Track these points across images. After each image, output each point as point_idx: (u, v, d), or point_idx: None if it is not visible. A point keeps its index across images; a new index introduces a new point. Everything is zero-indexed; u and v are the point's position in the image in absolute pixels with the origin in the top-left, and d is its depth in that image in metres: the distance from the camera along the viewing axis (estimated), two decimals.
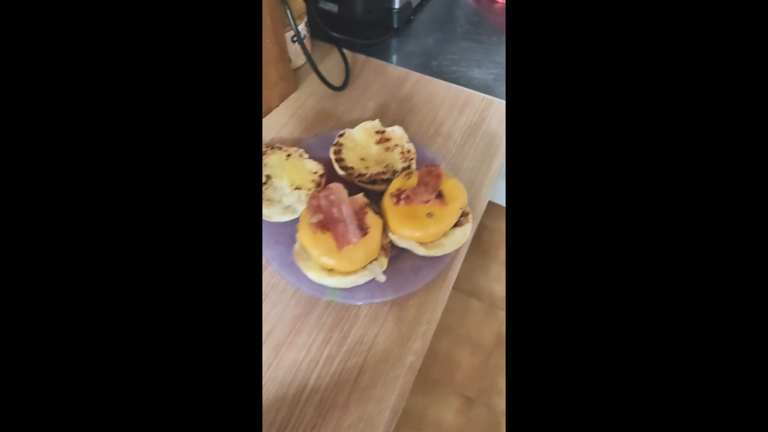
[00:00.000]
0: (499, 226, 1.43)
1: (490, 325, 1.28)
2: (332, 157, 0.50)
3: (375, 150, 0.51)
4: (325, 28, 0.66)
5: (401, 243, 0.45)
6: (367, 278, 0.42)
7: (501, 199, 1.35)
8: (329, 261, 0.41)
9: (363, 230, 0.42)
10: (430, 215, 0.44)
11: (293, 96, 0.61)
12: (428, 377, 1.17)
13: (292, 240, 0.44)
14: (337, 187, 0.42)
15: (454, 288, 1.41)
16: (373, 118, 0.59)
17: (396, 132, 0.52)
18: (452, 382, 1.18)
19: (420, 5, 0.78)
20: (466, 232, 0.45)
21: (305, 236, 0.41)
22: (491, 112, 0.61)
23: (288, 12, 0.53)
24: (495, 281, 1.35)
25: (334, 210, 0.41)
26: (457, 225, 0.45)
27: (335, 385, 0.39)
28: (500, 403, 1.15)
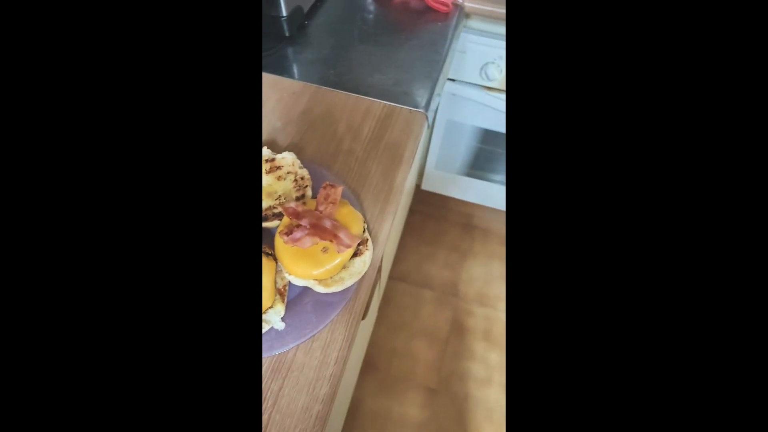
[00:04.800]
0: (444, 214, 1.44)
1: (444, 313, 1.29)
2: None
3: (265, 181, 0.47)
4: None
5: (299, 282, 0.42)
6: (264, 330, 0.39)
7: (440, 189, 1.35)
8: None
9: None
10: (325, 250, 0.41)
11: None
12: (389, 375, 1.18)
13: None
14: None
15: (405, 281, 1.41)
16: (269, 141, 0.55)
17: (287, 158, 0.49)
18: (413, 376, 1.18)
19: (315, 6, 0.74)
20: (366, 261, 0.43)
21: None
22: (393, 120, 0.58)
23: None
24: (444, 268, 1.36)
25: None
26: (356, 255, 0.43)
27: None
28: (462, 388, 1.18)
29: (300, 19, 0.69)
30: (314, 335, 0.41)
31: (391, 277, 1.33)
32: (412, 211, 1.44)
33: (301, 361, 0.40)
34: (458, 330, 1.29)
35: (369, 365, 1.17)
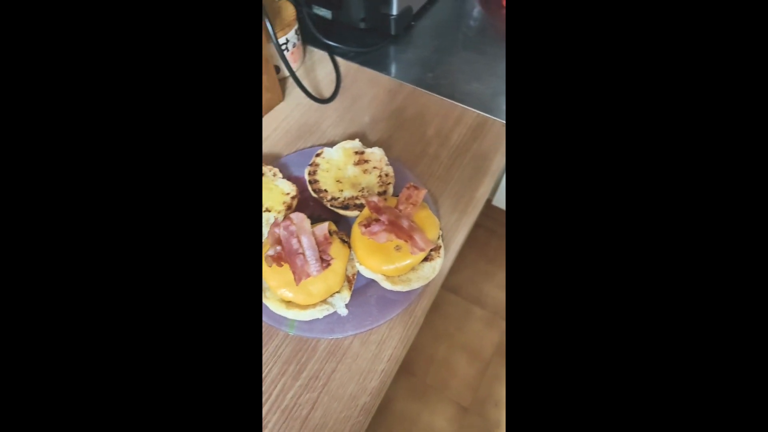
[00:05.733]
0: None
1: (491, 334, 1.25)
2: (306, 177, 0.49)
3: (352, 172, 0.49)
4: (318, 35, 0.64)
5: (367, 274, 0.43)
6: (327, 312, 0.41)
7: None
8: (287, 294, 0.40)
9: (325, 262, 0.40)
10: (398, 248, 0.42)
11: (279, 107, 0.60)
12: (423, 382, 1.17)
13: None
14: (299, 217, 0.40)
15: (457, 293, 1.37)
16: (360, 133, 0.57)
17: (375, 154, 0.50)
18: (447, 388, 1.17)
19: (423, 8, 0.74)
20: (435, 268, 0.43)
21: (263, 267, 0.40)
22: (484, 131, 0.57)
23: (267, 23, 0.51)
24: (501, 289, 1.32)
25: (294, 241, 0.39)
26: (426, 259, 0.43)
27: (285, 421, 0.38)
28: (495, 414, 1.13)
29: (408, 20, 0.70)
30: (373, 328, 0.42)
31: (442, 286, 1.31)
32: (478, 225, 1.41)
33: (356, 350, 0.41)
34: (503, 355, 1.24)
35: (404, 368, 1.17)
